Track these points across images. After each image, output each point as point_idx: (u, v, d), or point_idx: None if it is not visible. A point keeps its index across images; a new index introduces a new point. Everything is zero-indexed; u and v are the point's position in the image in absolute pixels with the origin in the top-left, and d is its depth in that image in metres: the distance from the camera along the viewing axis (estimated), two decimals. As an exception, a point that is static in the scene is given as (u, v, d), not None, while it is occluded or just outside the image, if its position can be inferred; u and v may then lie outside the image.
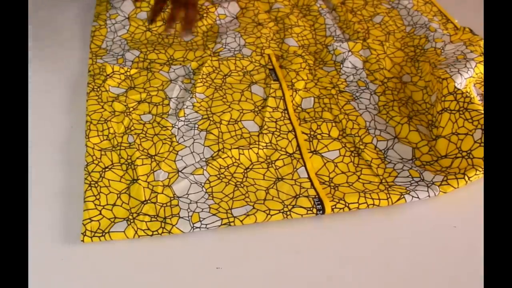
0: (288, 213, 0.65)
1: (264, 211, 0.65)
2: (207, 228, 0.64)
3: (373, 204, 0.67)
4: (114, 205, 0.67)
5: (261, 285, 0.60)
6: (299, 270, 0.61)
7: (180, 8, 0.86)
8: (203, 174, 0.70)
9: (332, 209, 0.66)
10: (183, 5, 0.87)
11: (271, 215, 0.65)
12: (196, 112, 0.79)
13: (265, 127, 0.77)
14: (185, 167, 0.71)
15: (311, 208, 0.66)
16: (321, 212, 0.66)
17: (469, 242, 0.64)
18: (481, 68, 0.81)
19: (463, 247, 0.64)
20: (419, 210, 0.68)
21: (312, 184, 0.69)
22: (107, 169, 0.71)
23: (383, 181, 0.70)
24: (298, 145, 0.75)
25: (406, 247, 0.64)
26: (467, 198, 0.69)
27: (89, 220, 0.64)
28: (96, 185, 0.68)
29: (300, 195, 0.68)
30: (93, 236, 0.63)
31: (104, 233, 0.63)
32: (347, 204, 0.66)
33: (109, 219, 0.65)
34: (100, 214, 0.65)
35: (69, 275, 0.60)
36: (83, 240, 0.63)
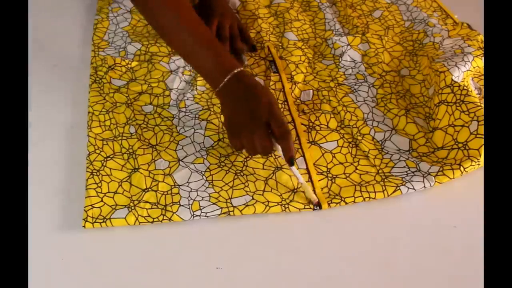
0: (286, 206, 0.67)
1: (263, 203, 0.66)
2: (207, 216, 0.65)
3: (369, 197, 0.68)
4: (115, 192, 0.68)
5: (261, 285, 0.61)
6: (299, 269, 0.62)
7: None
8: (203, 163, 0.71)
9: (329, 204, 0.67)
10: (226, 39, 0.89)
11: (270, 207, 0.66)
12: (197, 103, 0.80)
13: (265, 118, 0.78)
14: (185, 156, 0.72)
15: (308, 204, 0.67)
16: (318, 207, 0.67)
17: (469, 242, 0.65)
18: (478, 62, 0.82)
19: (463, 247, 0.64)
20: (419, 210, 0.69)
21: (310, 178, 0.70)
22: (108, 158, 0.72)
23: (379, 171, 0.71)
24: (297, 135, 0.76)
25: (406, 247, 0.65)
26: (467, 198, 0.70)
27: (90, 207, 0.65)
28: (98, 173, 0.69)
29: (298, 190, 0.69)
30: (95, 222, 0.64)
31: (105, 219, 0.64)
32: (343, 199, 0.67)
33: (110, 206, 0.66)
34: (102, 201, 0.66)
35: (68, 270, 0.61)
36: (84, 226, 0.64)
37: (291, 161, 0.65)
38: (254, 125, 0.65)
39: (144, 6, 0.74)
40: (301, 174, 0.70)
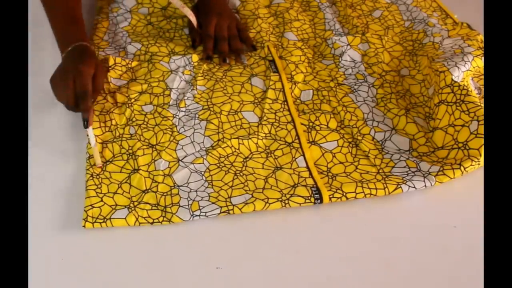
0: (287, 201, 0.66)
1: (262, 200, 0.66)
2: (207, 216, 0.65)
3: (370, 194, 0.68)
4: (115, 193, 0.68)
5: (261, 285, 0.61)
6: (299, 269, 0.62)
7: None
8: (203, 163, 0.71)
9: (330, 199, 0.67)
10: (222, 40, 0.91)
11: (270, 204, 0.66)
12: (197, 103, 0.80)
13: (265, 118, 0.78)
14: (185, 156, 0.72)
15: (309, 197, 0.67)
16: (319, 201, 0.67)
17: (469, 242, 0.65)
18: (478, 61, 0.82)
19: (463, 247, 0.64)
20: (419, 210, 0.69)
21: (310, 174, 0.70)
22: (108, 163, 0.72)
23: (380, 171, 0.71)
24: (297, 135, 0.76)
25: (406, 246, 0.65)
26: (467, 198, 0.70)
27: (90, 207, 0.65)
28: (98, 176, 0.70)
29: (299, 184, 0.69)
30: (95, 222, 0.64)
31: (105, 219, 0.64)
32: (344, 194, 0.67)
33: (110, 206, 0.66)
34: (102, 201, 0.66)
35: (68, 270, 0.61)
36: (84, 226, 0.64)
37: (84, 123, 0.73)
38: (62, 79, 0.76)
39: None
40: (301, 171, 0.70)
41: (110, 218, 0.64)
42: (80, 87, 0.73)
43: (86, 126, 0.72)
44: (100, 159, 0.70)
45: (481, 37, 0.89)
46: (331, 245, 0.64)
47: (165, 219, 0.65)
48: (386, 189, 0.68)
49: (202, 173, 0.70)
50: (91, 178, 0.69)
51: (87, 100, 0.73)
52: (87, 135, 0.73)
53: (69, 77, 0.74)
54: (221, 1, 0.97)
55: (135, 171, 0.70)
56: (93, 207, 0.65)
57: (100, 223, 0.64)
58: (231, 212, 0.66)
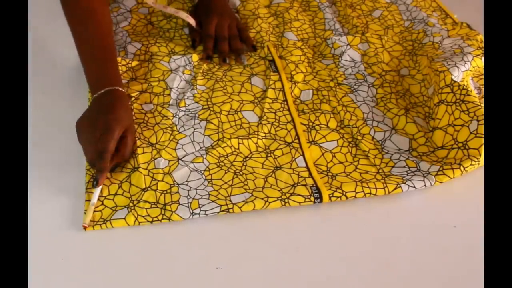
0: (286, 200, 0.67)
1: (262, 199, 0.66)
2: (206, 214, 0.65)
3: (370, 193, 0.68)
4: (115, 194, 0.68)
5: (261, 285, 0.61)
6: (299, 269, 0.62)
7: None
8: (203, 162, 0.71)
9: (330, 198, 0.67)
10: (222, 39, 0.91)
11: (269, 202, 0.66)
12: (197, 102, 0.81)
13: (265, 117, 0.78)
14: (185, 155, 0.72)
15: (309, 196, 0.67)
16: (318, 200, 0.67)
17: (469, 242, 0.65)
18: (478, 61, 0.83)
19: (463, 247, 0.64)
20: (419, 210, 0.69)
21: (310, 173, 0.71)
22: None
23: (380, 171, 0.71)
24: (297, 135, 0.76)
25: (406, 246, 0.65)
26: (467, 198, 0.70)
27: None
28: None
29: (298, 184, 0.69)
30: (95, 224, 0.64)
31: (105, 221, 0.65)
32: (344, 193, 0.67)
33: (110, 208, 0.66)
34: (102, 204, 0.67)
35: (68, 270, 0.61)
36: (85, 229, 0.64)
37: (93, 182, 0.67)
38: (89, 130, 0.70)
39: (63, 8, 0.81)
40: (300, 171, 0.70)
41: (110, 219, 0.65)
42: (101, 146, 0.67)
43: (94, 186, 0.66)
44: (89, 220, 0.64)
45: (481, 37, 0.89)
46: (331, 245, 0.64)
47: (164, 217, 0.65)
48: (386, 188, 0.68)
49: (202, 172, 0.70)
50: (91, 179, 0.69)
51: (105, 162, 0.66)
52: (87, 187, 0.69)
53: (96, 132, 0.68)
54: (221, 1, 0.97)
55: (135, 169, 0.70)
56: (94, 211, 0.65)
57: (100, 224, 0.64)
58: (230, 210, 0.66)
